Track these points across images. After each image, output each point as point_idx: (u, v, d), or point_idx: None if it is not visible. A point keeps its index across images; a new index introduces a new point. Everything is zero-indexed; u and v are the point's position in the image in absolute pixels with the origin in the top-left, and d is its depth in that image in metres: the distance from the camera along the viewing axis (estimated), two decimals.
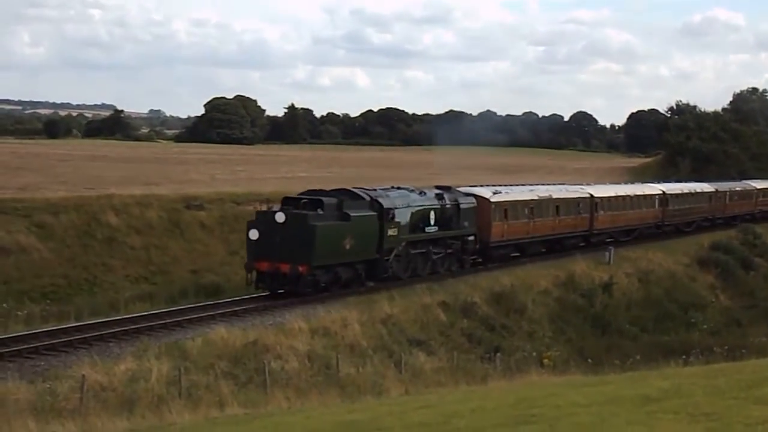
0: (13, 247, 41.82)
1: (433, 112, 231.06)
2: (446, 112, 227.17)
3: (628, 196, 66.96)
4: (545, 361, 37.10)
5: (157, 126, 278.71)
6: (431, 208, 45.82)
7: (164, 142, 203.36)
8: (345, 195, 41.70)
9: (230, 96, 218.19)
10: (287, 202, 40.29)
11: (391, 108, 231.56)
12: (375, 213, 41.52)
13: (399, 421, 15.61)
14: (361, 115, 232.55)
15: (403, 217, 43.25)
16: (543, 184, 63.71)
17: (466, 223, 48.21)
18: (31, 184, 58.89)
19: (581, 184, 67.01)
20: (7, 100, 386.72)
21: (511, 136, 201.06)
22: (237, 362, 29.34)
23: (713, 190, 79.38)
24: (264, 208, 43.69)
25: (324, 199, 39.85)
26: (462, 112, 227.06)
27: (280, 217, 37.96)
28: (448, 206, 47.09)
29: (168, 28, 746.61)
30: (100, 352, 29.11)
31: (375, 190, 43.47)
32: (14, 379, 24.52)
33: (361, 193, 42.42)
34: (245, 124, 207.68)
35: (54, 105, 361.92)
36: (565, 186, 63.93)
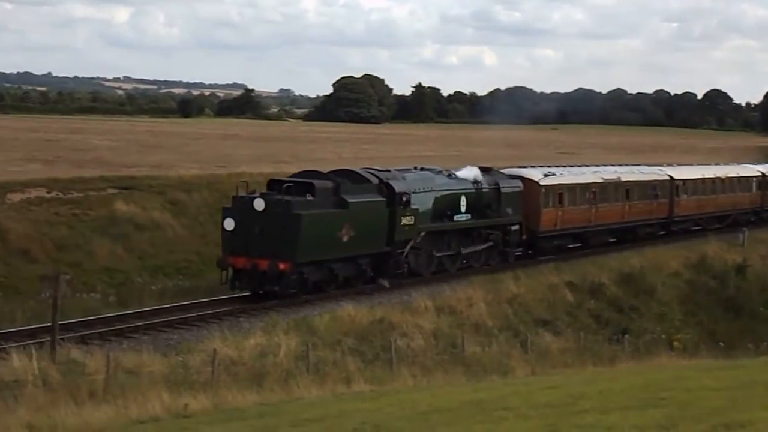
0: (147, 224, 42.88)
1: (562, 91, 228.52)
2: (575, 90, 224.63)
3: (719, 178, 60.50)
4: (675, 343, 36.41)
5: (286, 105, 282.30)
6: (462, 193, 39.90)
7: (293, 121, 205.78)
8: (345, 177, 35.75)
9: (358, 75, 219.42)
10: (273, 186, 34.26)
11: (518, 86, 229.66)
12: (383, 198, 35.74)
13: (525, 402, 15.56)
14: (489, 93, 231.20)
15: (422, 202, 37.42)
16: (614, 165, 57.27)
17: (509, 210, 42.33)
18: (165, 162, 60.32)
19: (661, 165, 60.85)
20: (143, 80, 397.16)
21: (643, 114, 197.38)
22: (363, 339, 29.58)
23: None
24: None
25: (315, 182, 33.91)
26: (591, 91, 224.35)
27: (258, 204, 32.27)
28: (485, 190, 41.28)
29: (297, 7, 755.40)
30: (231, 326, 29.71)
31: (389, 171, 37.65)
32: (149, 352, 25.20)
33: (367, 175, 36.47)
34: (373, 103, 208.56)
35: (187, 84, 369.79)
36: (639, 167, 57.43)
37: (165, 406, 19.28)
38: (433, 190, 38.61)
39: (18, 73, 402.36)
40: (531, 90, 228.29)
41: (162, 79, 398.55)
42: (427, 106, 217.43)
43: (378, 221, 35.47)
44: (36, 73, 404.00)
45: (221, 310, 31.87)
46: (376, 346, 28.72)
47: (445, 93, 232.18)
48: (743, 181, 63.48)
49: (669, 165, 61.39)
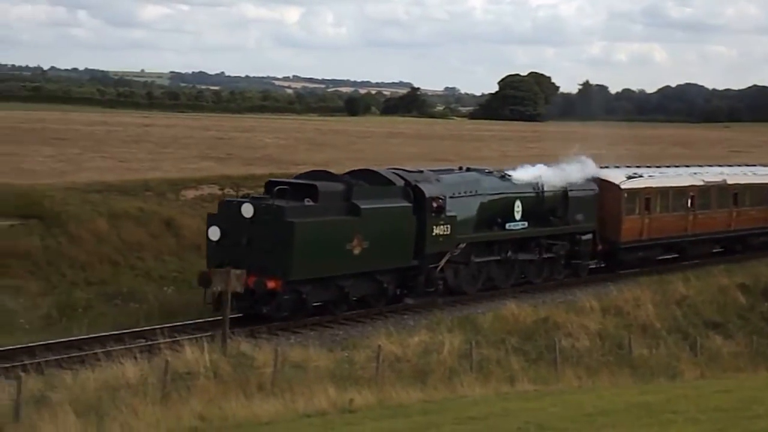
0: None
1: (735, 88, 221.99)
2: (749, 88, 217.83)
3: None
4: None
5: (451, 103, 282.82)
6: (518, 197, 35.06)
7: (458, 119, 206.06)
8: (362, 178, 31.06)
9: (524, 73, 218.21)
10: (270, 188, 29.52)
11: (689, 83, 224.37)
12: (409, 204, 30.74)
13: (694, 405, 15.23)
14: (658, 91, 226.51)
15: (462, 209, 32.49)
16: (721, 165, 50.55)
17: (579, 217, 37.40)
18: (332, 160, 61.24)
19: None
20: (312, 78, 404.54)
21: None
22: (527, 338, 29.42)
23: None
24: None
25: (319, 184, 29.09)
26: (766, 88, 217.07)
27: (247, 210, 27.74)
28: (547, 194, 36.42)
29: (464, 5, 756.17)
30: (396, 323, 29.97)
31: (422, 171, 32.73)
32: (315, 347, 25.63)
33: (390, 176, 31.48)
34: (539, 100, 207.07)
35: (354, 83, 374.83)
36: (753, 168, 50.68)
37: (331, 400, 19.59)
38: (478, 194, 33.58)
39: (193, 72, 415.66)
40: (702, 87, 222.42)
41: (330, 77, 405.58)
42: (594, 104, 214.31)
43: (401, 231, 30.45)
44: (210, 72, 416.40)
45: (386, 308, 32.02)
46: (540, 346, 28.51)
47: (612, 91, 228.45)
48: None
49: None
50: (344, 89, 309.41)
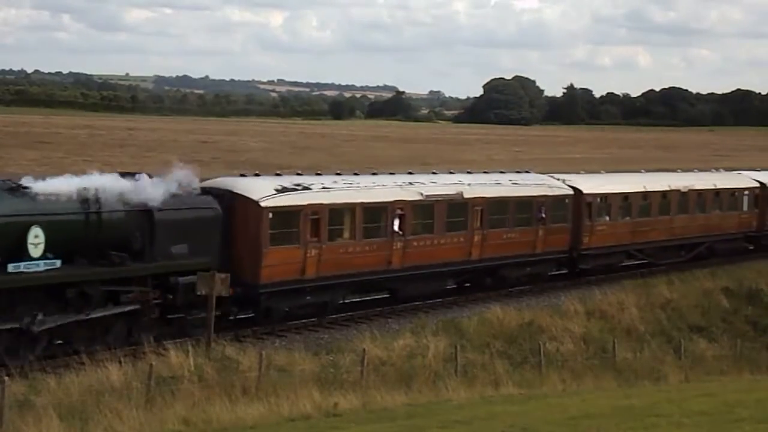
0: None
1: (719, 92, 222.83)
2: (733, 92, 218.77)
3: None
4: None
5: (436, 107, 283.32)
6: (37, 221, 23.21)
7: (443, 122, 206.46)
8: None
9: (509, 77, 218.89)
10: None
11: (673, 87, 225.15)
12: None
13: (678, 409, 15.27)
14: (642, 95, 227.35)
15: None
16: (471, 173, 39.09)
17: (177, 249, 25.92)
18: (317, 164, 61.27)
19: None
20: (296, 82, 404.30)
21: None
22: (512, 342, 29.43)
23: None
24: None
25: None
26: (750, 92, 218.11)
27: None
28: (106, 216, 24.72)
29: (448, 9, 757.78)
30: (380, 327, 29.96)
31: None
32: (300, 351, 25.61)
33: None
34: (523, 104, 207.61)
35: (339, 87, 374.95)
36: (520, 175, 39.97)
37: (315, 404, 19.57)
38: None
39: (177, 76, 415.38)
40: (686, 91, 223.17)
41: (314, 81, 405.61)
42: (578, 107, 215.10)
43: None
44: (194, 76, 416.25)
45: (371, 310, 32.10)
46: (524, 350, 28.53)
47: (597, 94, 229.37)
48: None
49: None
50: (329, 93, 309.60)
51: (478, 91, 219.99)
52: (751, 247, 48.32)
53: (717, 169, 54.34)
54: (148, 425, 18.02)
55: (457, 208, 33.82)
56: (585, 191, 38.79)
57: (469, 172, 38.99)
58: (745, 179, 49.24)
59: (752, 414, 13.82)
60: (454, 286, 36.10)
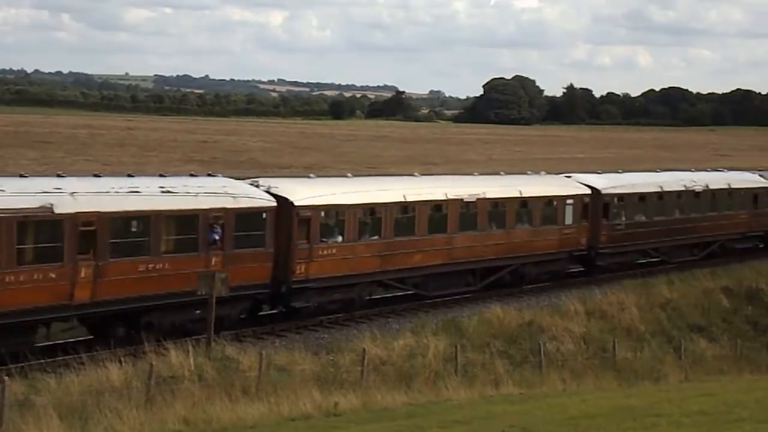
0: None
1: (719, 92, 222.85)
2: (733, 92, 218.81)
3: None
4: None
5: (436, 106, 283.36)
6: None
7: (443, 122, 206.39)
8: None
9: (509, 76, 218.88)
10: None
11: (673, 87, 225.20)
12: None
13: (678, 409, 15.26)
14: (642, 94, 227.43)
15: None
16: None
17: None
18: (318, 163, 61.29)
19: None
20: (296, 82, 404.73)
21: None
22: (512, 342, 29.44)
23: None
24: None
25: None
26: (750, 91, 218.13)
27: None
28: None
29: (448, 9, 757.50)
30: (380, 327, 29.97)
31: None
32: (300, 351, 25.61)
33: None
34: (523, 104, 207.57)
35: (339, 87, 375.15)
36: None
37: (315, 404, 19.56)
38: None
39: (177, 76, 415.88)
40: (686, 91, 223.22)
41: (314, 81, 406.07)
42: (578, 107, 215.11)
43: None
44: (194, 76, 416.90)
45: (371, 310, 32.11)
46: (524, 349, 28.55)
47: (597, 94, 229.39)
48: None
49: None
50: (329, 93, 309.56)
51: (478, 91, 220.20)
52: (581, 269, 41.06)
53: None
54: (148, 425, 18.02)
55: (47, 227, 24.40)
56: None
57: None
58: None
59: (752, 414, 13.81)
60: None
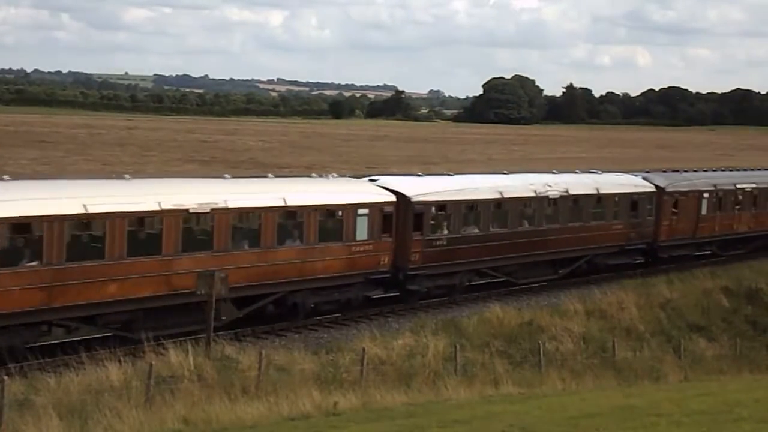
0: None
1: (719, 91, 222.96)
2: (733, 91, 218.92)
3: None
4: None
5: (436, 106, 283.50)
6: None
7: (443, 122, 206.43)
8: None
9: (508, 76, 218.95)
10: None
11: (673, 87, 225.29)
12: None
13: (678, 408, 15.25)
14: (642, 94, 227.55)
15: None
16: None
17: None
18: (317, 163, 61.28)
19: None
20: (296, 81, 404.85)
21: None
22: (512, 341, 29.44)
23: None
24: None
25: None
26: (750, 91, 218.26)
27: None
28: None
29: (447, 8, 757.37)
30: (380, 326, 29.95)
31: None
32: (300, 350, 25.60)
33: None
34: (523, 104, 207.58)
35: (338, 86, 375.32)
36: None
37: (315, 403, 19.55)
38: None
39: (177, 75, 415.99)
40: (686, 90, 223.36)
41: (314, 81, 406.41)
42: (578, 107, 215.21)
43: None
44: (193, 75, 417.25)
45: (371, 310, 32.10)
46: (524, 349, 28.54)
47: (596, 94, 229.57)
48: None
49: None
50: (328, 92, 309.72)
51: (478, 91, 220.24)
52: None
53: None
54: (147, 424, 18.01)
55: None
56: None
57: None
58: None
59: (752, 413, 13.81)
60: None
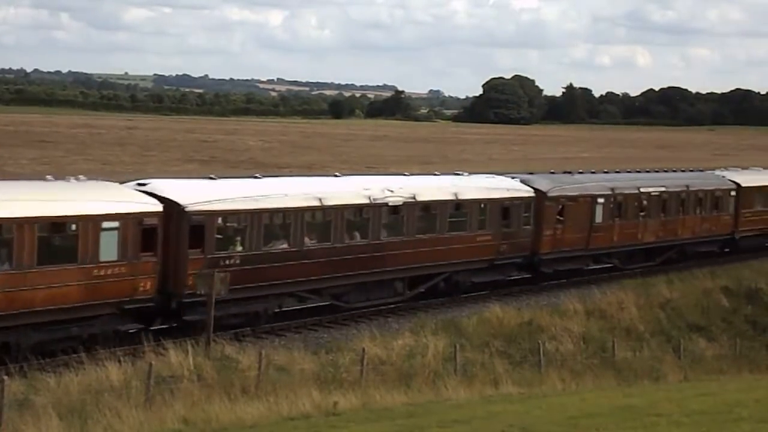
0: None
1: (719, 91, 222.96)
2: (733, 91, 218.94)
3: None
4: None
5: (436, 106, 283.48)
6: None
7: (442, 122, 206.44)
8: None
9: (508, 76, 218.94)
10: None
11: (673, 87, 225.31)
12: None
13: (678, 408, 15.26)
14: (642, 94, 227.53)
15: None
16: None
17: None
18: (317, 163, 61.30)
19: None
20: (295, 81, 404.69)
21: None
22: (511, 341, 29.44)
23: None
24: None
25: None
26: (750, 91, 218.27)
27: None
28: None
29: (447, 8, 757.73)
30: (380, 326, 29.94)
31: None
32: (300, 350, 25.60)
33: None
34: (522, 104, 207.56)
35: (338, 86, 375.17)
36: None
37: (315, 403, 19.55)
38: None
39: (176, 75, 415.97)
40: (686, 90, 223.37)
41: (314, 80, 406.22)
42: (578, 107, 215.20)
43: None
44: (193, 75, 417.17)
45: (371, 310, 32.08)
46: (524, 349, 28.55)
47: (596, 94, 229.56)
48: None
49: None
50: (328, 92, 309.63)
51: (478, 91, 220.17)
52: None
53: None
54: (147, 424, 18.02)
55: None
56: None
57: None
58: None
59: (751, 413, 13.81)
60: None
